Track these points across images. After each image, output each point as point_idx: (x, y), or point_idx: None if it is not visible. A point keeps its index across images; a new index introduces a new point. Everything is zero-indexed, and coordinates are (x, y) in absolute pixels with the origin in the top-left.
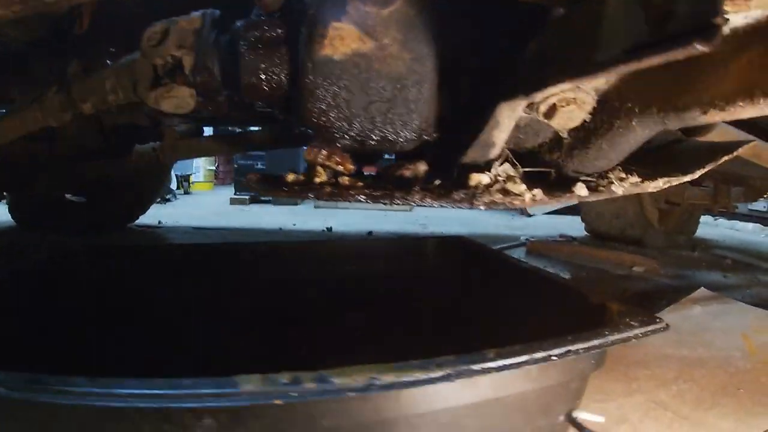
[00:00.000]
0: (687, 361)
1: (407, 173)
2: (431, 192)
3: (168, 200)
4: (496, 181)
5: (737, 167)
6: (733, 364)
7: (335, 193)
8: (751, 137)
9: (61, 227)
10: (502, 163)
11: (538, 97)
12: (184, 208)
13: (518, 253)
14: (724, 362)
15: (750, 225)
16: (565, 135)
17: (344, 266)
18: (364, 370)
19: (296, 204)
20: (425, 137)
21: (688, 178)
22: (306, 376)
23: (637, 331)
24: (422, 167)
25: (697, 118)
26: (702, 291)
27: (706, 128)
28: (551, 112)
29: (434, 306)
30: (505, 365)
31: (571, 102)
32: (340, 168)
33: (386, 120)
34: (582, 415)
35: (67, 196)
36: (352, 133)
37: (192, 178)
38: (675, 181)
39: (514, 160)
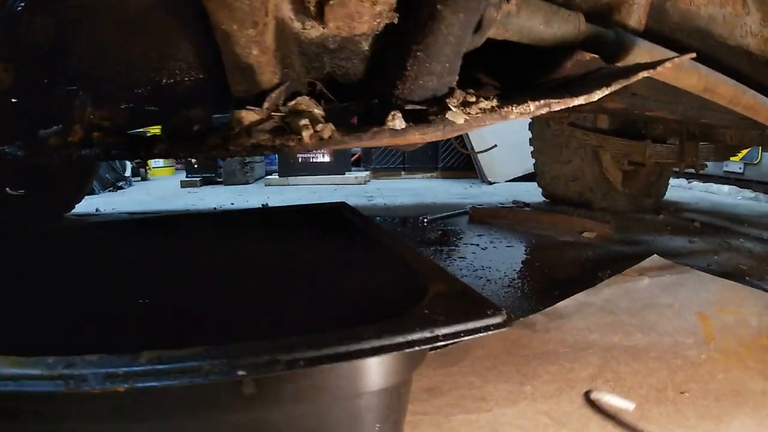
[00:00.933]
0: (616, 352)
1: (179, 119)
2: (181, 141)
3: (120, 187)
4: (269, 118)
5: (695, 111)
6: (681, 355)
7: (83, 154)
8: (674, 54)
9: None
10: (292, 96)
11: None
12: (132, 195)
13: (461, 222)
14: (669, 352)
15: (726, 187)
16: (364, 46)
17: (212, 237)
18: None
19: (247, 183)
20: (201, 75)
21: (581, 100)
22: None
23: (433, 333)
24: (198, 113)
25: None
26: (654, 259)
27: (624, 50)
28: (319, 9)
29: (266, 275)
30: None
31: None
32: (106, 123)
33: (147, 60)
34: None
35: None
36: (117, 82)
37: (151, 164)
38: (557, 104)
39: (329, 94)
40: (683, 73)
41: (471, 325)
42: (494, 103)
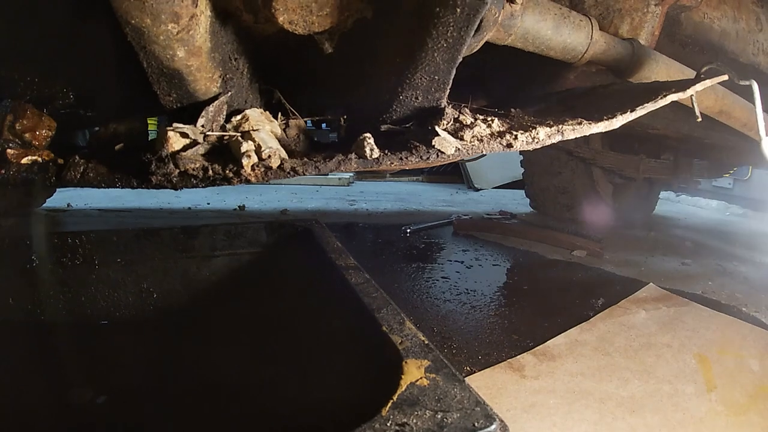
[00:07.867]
0: (612, 404)
1: (105, 133)
2: (100, 163)
3: None
4: (195, 144)
5: (701, 132)
6: (682, 407)
7: None
8: (692, 71)
9: None
10: (230, 116)
11: None
12: (108, 190)
13: (445, 233)
14: (669, 404)
15: (714, 202)
16: (327, 47)
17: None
18: None
19: None
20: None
21: (600, 127)
22: None
23: None
24: (129, 126)
25: None
26: (650, 288)
27: (640, 64)
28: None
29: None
30: None
31: None
32: (28, 136)
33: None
34: None
35: None
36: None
37: None
38: (571, 131)
39: (289, 107)
40: (700, 93)
41: None
42: (495, 128)
